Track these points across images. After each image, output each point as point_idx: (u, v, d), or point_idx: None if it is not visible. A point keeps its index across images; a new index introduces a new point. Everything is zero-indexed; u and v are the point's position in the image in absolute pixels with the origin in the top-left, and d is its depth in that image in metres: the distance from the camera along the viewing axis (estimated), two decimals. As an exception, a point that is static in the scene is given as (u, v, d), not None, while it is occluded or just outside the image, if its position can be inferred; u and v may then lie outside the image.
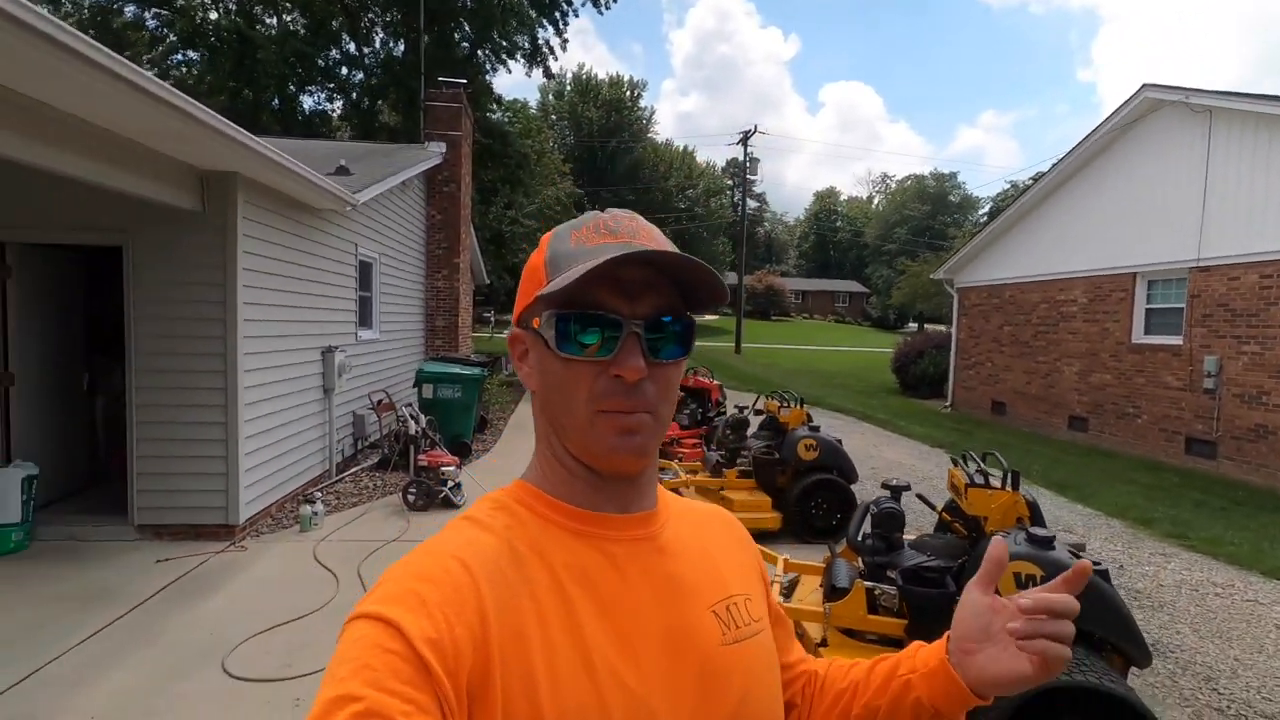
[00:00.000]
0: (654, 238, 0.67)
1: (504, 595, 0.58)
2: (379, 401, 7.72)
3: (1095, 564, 2.77)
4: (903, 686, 0.72)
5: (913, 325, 42.31)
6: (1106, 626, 2.67)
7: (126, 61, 3.26)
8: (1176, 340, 9.54)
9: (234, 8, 22.26)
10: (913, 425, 12.02)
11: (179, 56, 22.38)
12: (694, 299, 0.68)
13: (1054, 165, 11.84)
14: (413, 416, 6.81)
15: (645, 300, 0.64)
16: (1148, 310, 10.18)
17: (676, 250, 0.65)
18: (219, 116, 4.05)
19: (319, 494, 5.87)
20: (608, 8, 23.47)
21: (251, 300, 5.16)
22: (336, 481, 6.69)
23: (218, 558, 4.72)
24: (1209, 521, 6.64)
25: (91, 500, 5.61)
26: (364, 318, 8.03)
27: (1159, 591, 4.90)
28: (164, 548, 4.83)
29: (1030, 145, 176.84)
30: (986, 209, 48.32)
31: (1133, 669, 2.94)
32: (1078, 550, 5.53)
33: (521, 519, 0.66)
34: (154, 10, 21.36)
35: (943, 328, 21.28)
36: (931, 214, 55.45)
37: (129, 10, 21.33)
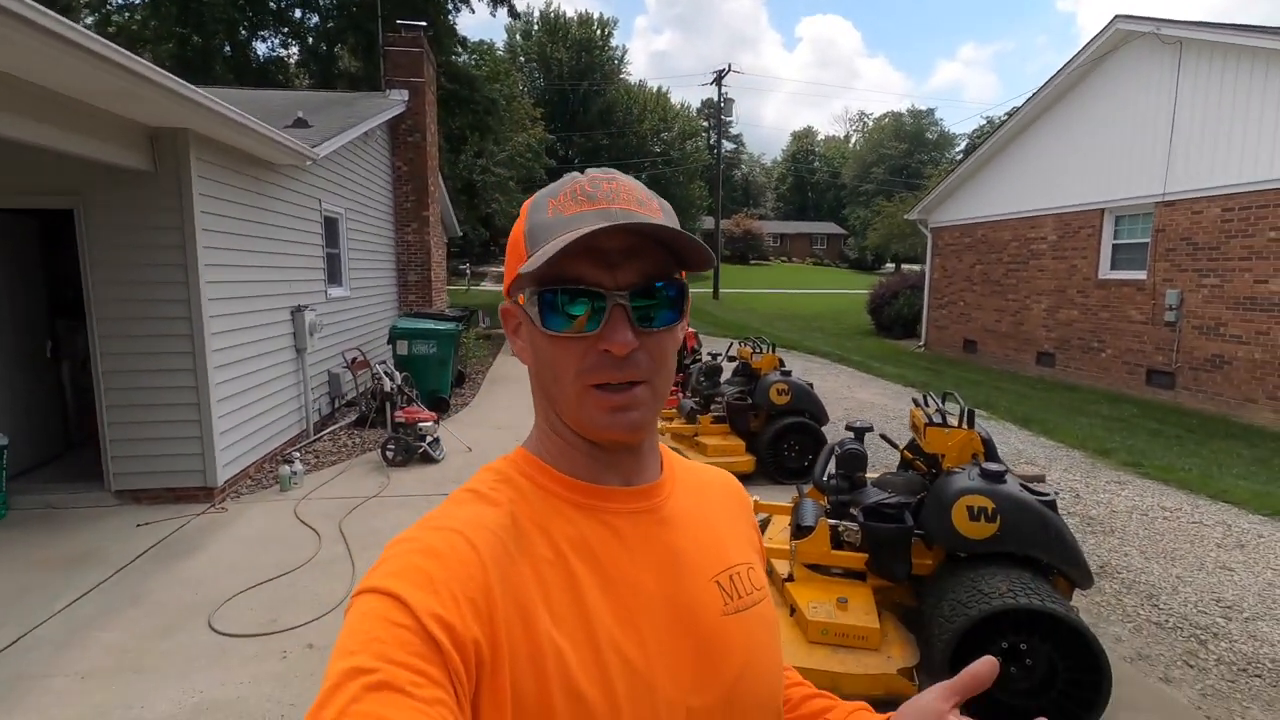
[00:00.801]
0: (635, 198, 0.63)
1: (508, 571, 0.58)
2: (354, 360, 7.68)
3: (1044, 494, 2.92)
4: None
5: (890, 266, 42.56)
6: (1051, 553, 2.83)
7: (62, 18, 3.11)
8: (1141, 275, 9.73)
9: (175, -54, 20.93)
10: (886, 366, 12.24)
11: (119, 1, 21.13)
12: (684, 260, 0.65)
13: (1026, 101, 11.77)
14: (387, 374, 6.81)
15: (629, 268, 0.61)
16: (1114, 246, 10.35)
17: (657, 212, 0.63)
18: (161, 71, 3.89)
19: (297, 454, 5.91)
20: (573, -60, 22.42)
21: (213, 261, 5.06)
22: (315, 440, 6.71)
23: (198, 519, 4.77)
24: (1163, 450, 6.94)
25: (66, 468, 5.60)
26: (333, 275, 7.91)
27: (1111, 518, 5.16)
28: (144, 512, 4.86)
29: (1009, 79, 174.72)
30: (963, 146, 48.02)
31: (1078, 591, 3.13)
32: (1036, 481, 5.79)
33: (524, 491, 0.65)
34: (89, -50, 20.02)
35: (919, 268, 21.43)
36: (909, 152, 55.05)
37: (61, -50, 19.96)
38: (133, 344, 4.89)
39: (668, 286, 0.63)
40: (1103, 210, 10.36)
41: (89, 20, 20.41)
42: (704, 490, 0.78)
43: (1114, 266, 10.35)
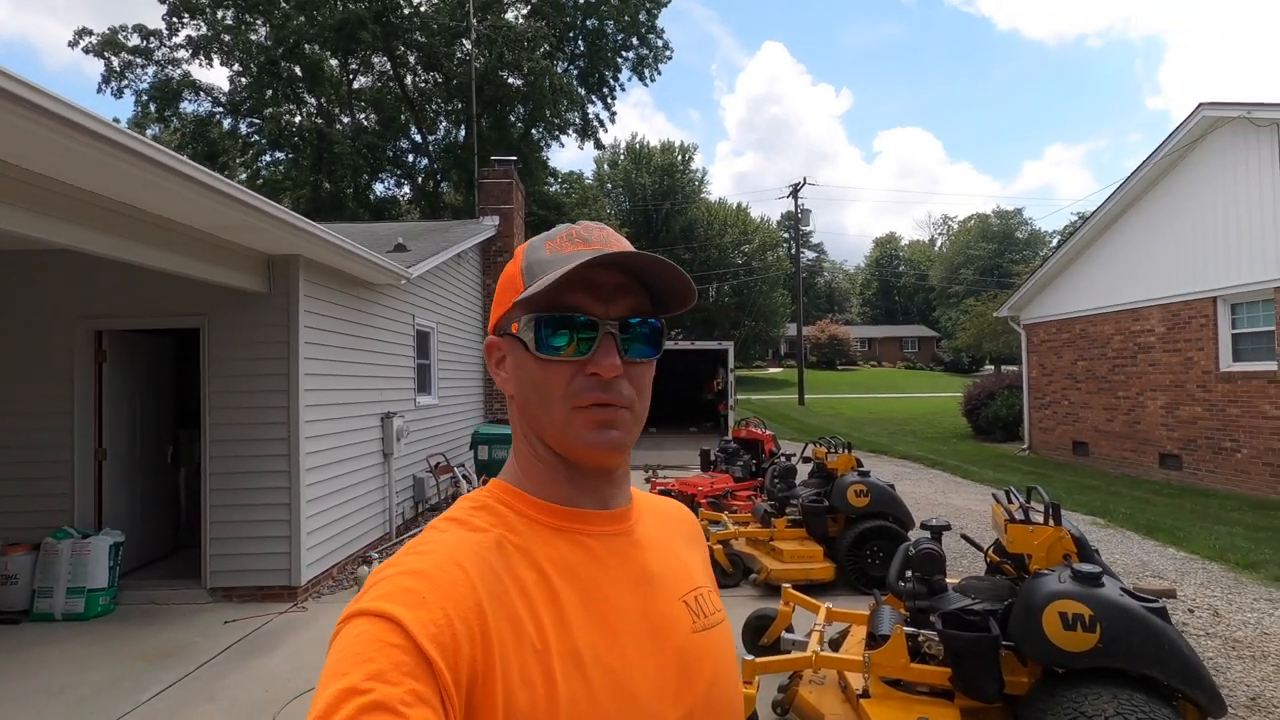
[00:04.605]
0: (624, 246, 0.70)
1: (496, 590, 0.60)
2: (436, 465, 7.98)
3: (1150, 601, 2.58)
4: None
5: (989, 367, 40.57)
6: (1168, 670, 2.46)
7: (199, 165, 3.69)
8: (1271, 366, 8.84)
9: (314, 110, 24.52)
10: (985, 470, 11.43)
11: (267, 158, 24.71)
12: (664, 303, 0.72)
13: (1110, 195, 11.44)
14: (464, 477, 7.01)
15: (618, 303, 0.67)
16: (1234, 335, 9.51)
17: (646, 253, 0.67)
18: (278, 205, 4.48)
19: (376, 555, 6.08)
20: (653, 80, 24.60)
21: (312, 371, 5.52)
22: (396, 543, 6.89)
23: (280, 618, 4.93)
24: (1324, 563, 5.99)
25: (172, 566, 5.99)
26: (422, 384, 8.39)
27: (1262, 640, 4.43)
28: (233, 609, 5.09)
29: (1104, 175, 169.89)
30: (1055, 243, 46.51)
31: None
32: (1166, 596, 5.09)
33: (504, 517, 0.68)
34: (247, 120, 23.80)
35: (1016, 367, 20.36)
36: (998, 252, 53.79)
37: (225, 122, 23.82)
38: (237, 448, 5.32)
39: (643, 324, 0.70)
40: (1215, 298, 9.63)
41: (243, 176, 23.91)
42: (665, 518, 0.82)
43: (1237, 358, 9.46)
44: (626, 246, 0.70)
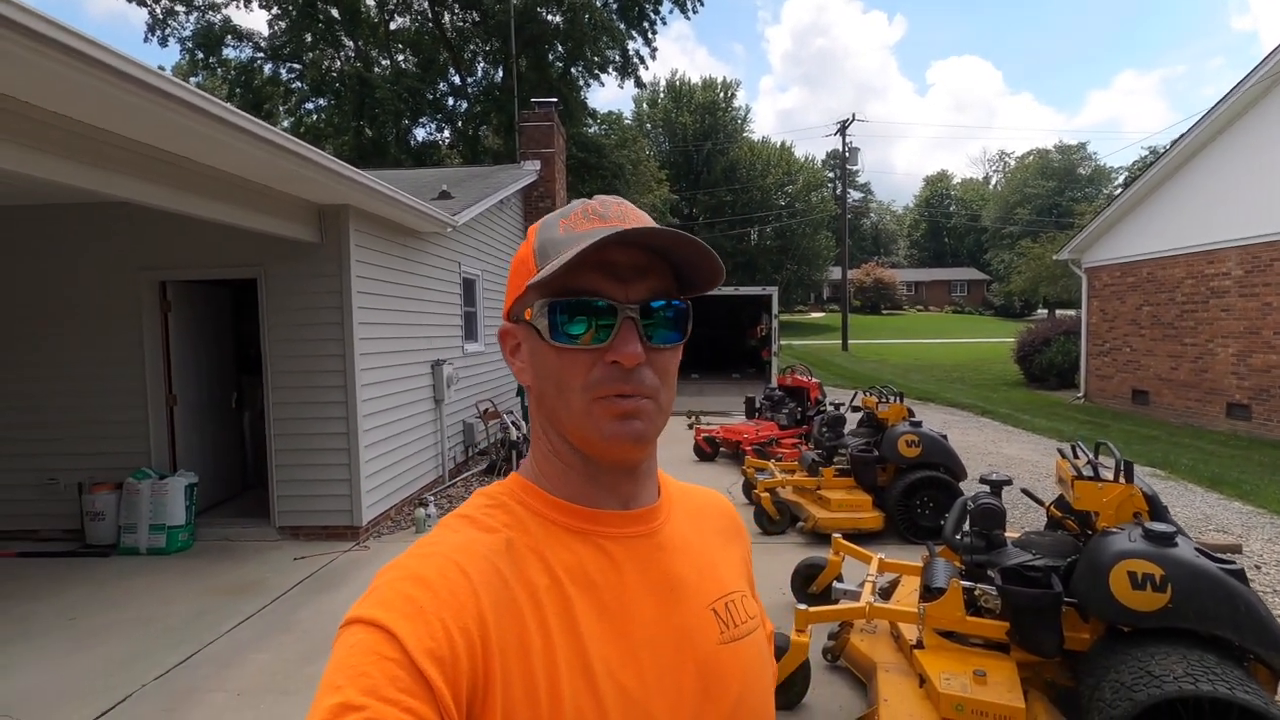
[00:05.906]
0: (644, 221, 0.65)
1: (502, 599, 0.57)
2: (485, 410, 8.14)
3: (1228, 562, 2.50)
4: None
5: (1042, 312, 39.15)
6: (1242, 632, 2.39)
7: (249, 116, 3.69)
8: (1359, 312, 8.28)
9: (353, 55, 24.32)
10: (1038, 419, 11.15)
11: (310, 105, 24.74)
12: (690, 281, 0.67)
13: (1191, 127, 10.63)
14: (514, 424, 7.14)
15: (640, 284, 0.62)
16: (1320, 280, 8.91)
17: (668, 229, 0.62)
18: (328, 155, 4.48)
19: (431, 498, 6.29)
20: (695, 11, 23.54)
21: (365, 320, 5.62)
22: (449, 486, 7.13)
23: (345, 556, 5.18)
24: (1405, 520, 5.72)
25: (241, 505, 6.32)
26: (469, 331, 8.50)
27: (1334, 599, 4.28)
28: (300, 547, 5.36)
29: (1181, 105, 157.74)
30: (1121, 180, 43.88)
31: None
32: (1231, 551, 4.94)
33: (519, 517, 0.65)
34: (288, 66, 23.76)
35: (1073, 313, 19.57)
36: (1058, 190, 51.10)
37: (267, 68, 23.82)
38: (297, 394, 5.50)
39: (668, 307, 0.65)
40: (1301, 239, 8.99)
41: (285, 123, 24.03)
42: (700, 514, 0.76)
43: (1322, 303, 8.89)
44: (647, 222, 0.64)
